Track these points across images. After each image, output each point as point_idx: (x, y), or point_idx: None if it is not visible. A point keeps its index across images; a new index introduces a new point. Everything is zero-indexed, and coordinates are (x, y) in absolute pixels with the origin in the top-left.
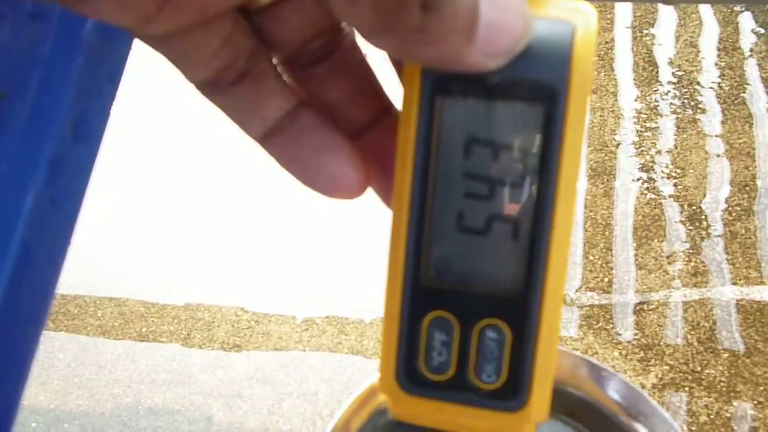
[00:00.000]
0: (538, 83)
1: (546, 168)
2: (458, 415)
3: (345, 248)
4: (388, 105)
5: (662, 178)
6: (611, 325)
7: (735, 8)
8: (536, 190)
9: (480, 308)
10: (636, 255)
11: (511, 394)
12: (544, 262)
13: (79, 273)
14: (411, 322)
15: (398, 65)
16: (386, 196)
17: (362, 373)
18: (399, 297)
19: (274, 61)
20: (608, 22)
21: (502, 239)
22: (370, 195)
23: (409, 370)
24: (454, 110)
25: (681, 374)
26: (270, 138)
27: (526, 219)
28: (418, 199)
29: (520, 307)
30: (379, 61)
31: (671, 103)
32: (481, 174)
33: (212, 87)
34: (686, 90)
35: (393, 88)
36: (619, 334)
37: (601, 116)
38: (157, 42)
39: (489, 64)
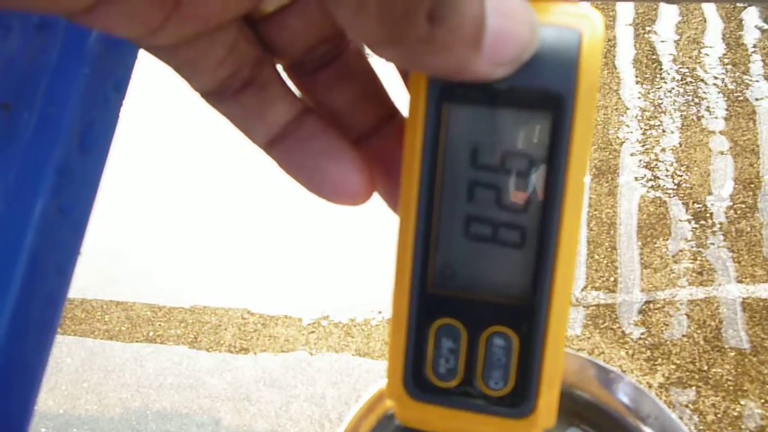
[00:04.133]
0: (545, 91)
1: (553, 175)
2: (465, 422)
3: (351, 250)
4: (393, 110)
5: (666, 176)
6: (617, 325)
7: (738, 4)
8: (543, 197)
9: (487, 316)
10: (641, 254)
11: (519, 400)
12: (551, 269)
13: (86, 277)
14: (418, 329)
15: (404, 72)
16: (392, 201)
17: (369, 375)
18: (406, 304)
19: (279, 68)
20: (610, 19)
21: (509, 247)
22: (376, 199)
23: (416, 376)
24: (461, 118)
25: (688, 373)
26: (275, 145)
27: (533, 226)
28: (424, 207)
29: (527, 314)
30: (383, 66)
31: (675, 101)
32: (488, 181)
33: (217, 95)
34: (690, 87)
35: (398, 93)
36: (626, 334)
37: (604, 114)
38: (162, 52)
39: (496, 73)
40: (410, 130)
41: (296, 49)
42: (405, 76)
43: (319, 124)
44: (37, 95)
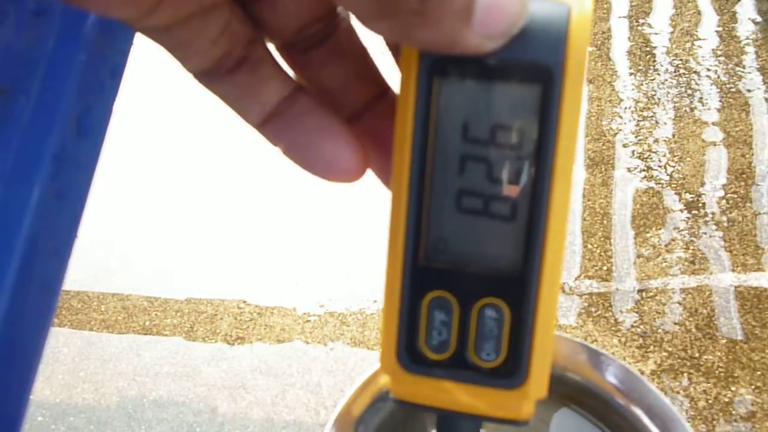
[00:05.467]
0: (534, 64)
1: (543, 148)
2: (458, 393)
3: (345, 240)
4: (385, 87)
5: (660, 166)
6: (610, 313)
7: None
8: (533, 169)
9: (479, 287)
10: (634, 243)
11: (511, 371)
12: (541, 241)
13: (82, 269)
14: (411, 302)
15: (395, 48)
16: (386, 178)
17: (364, 363)
18: (399, 277)
19: (271, 47)
20: (604, 11)
21: (500, 219)
22: (371, 188)
23: (409, 349)
24: (452, 92)
25: (680, 360)
26: (268, 124)
27: (524, 199)
28: (416, 181)
29: (518, 286)
30: (376, 44)
31: (668, 92)
32: (479, 155)
33: (211, 75)
34: (683, 79)
35: (390, 71)
36: (618, 322)
37: (598, 106)
38: (156, 33)
39: (486, 46)
40: (401, 104)
41: (288, 28)
42: (396, 52)
43: (312, 102)
44: (34, 81)
